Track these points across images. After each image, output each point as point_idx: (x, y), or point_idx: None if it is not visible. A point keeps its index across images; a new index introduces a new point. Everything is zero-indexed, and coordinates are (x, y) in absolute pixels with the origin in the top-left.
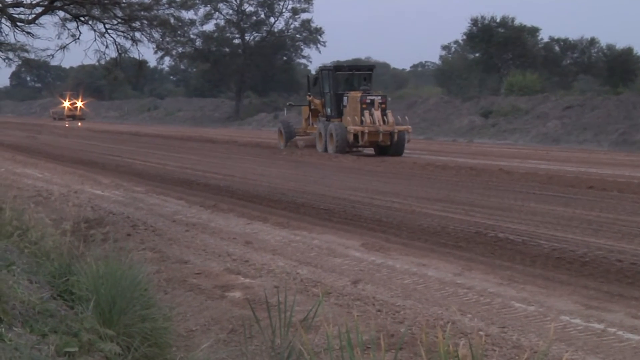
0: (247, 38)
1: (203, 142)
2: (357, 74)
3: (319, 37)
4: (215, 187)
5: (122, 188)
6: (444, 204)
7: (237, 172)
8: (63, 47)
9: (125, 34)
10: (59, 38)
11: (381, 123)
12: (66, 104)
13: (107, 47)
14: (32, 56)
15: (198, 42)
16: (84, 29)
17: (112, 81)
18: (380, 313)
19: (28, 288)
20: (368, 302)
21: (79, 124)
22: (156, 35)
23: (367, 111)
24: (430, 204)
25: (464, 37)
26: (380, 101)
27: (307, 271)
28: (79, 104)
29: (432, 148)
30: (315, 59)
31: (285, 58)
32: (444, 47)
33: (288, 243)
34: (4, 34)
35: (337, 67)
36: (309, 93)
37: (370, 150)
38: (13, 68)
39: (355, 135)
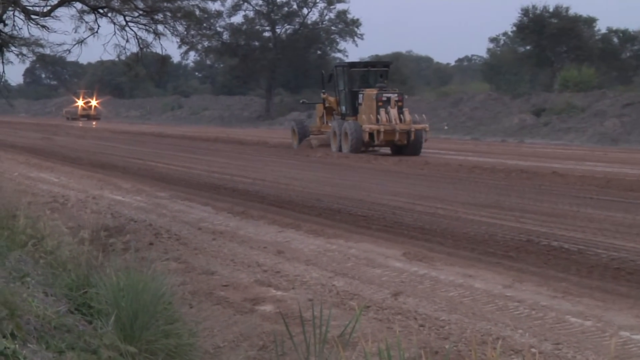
0: (278, 31)
1: (231, 144)
2: (372, 71)
3: (355, 29)
4: (244, 192)
5: (144, 193)
6: (492, 209)
7: (267, 176)
8: (80, 42)
9: (147, 27)
10: (76, 32)
11: (397, 121)
12: (80, 103)
13: (127, 41)
14: (47, 51)
15: (225, 36)
16: (103, 21)
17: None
18: (423, 328)
19: (43, 301)
20: (410, 317)
21: (94, 124)
22: (180, 28)
23: (383, 109)
24: (478, 209)
25: (514, 28)
26: (396, 99)
27: (344, 283)
28: (94, 102)
29: (479, 149)
30: (352, 53)
31: (319, 52)
32: (492, 40)
33: (323, 252)
34: (17, 28)
35: (352, 64)
36: (323, 90)
37: (387, 150)
38: (27, 64)
39: (371, 134)
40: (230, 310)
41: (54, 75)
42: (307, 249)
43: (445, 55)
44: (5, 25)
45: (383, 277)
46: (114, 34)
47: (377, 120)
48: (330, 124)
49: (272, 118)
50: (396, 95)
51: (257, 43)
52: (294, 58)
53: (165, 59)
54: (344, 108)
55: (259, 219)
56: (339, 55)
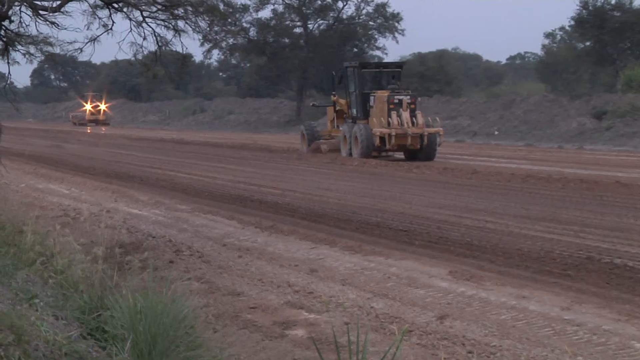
0: (310, 26)
1: (258, 151)
2: (385, 72)
3: (396, 24)
4: (273, 204)
5: (163, 206)
6: (548, 223)
7: (299, 187)
8: (93, 40)
9: (166, 23)
10: (88, 29)
11: (410, 125)
12: (88, 106)
13: (144, 38)
14: (57, 50)
15: (252, 32)
16: (118, 17)
17: (151, 79)
18: (471, 355)
19: (53, 325)
20: (457, 342)
21: (103, 129)
22: (203, 24)
23: (395, 112)
24: (532, 223)
25: (572, 22)
26: (409, 101)
27: (384, 305)
28: (103, 106)
29: (533, 156)
30: (392, 50)
31: (355, 50)
32: (548, 35)
33: (360, 271)
34: (24, 25)
35: (363, 64)
36: (334, 92)
37: (401, 155)
38: (35, 65)
39: (382, 138)
40: (258, 335)
41: (64, 76)
42: (343, 267)
43: (496, 52)
44: (11, 22)
45: (427, 299)
46: (130, 30)
47: (389, 123)
48: (341, 128)
49: (303, 122)
50: (409, 97)
51: (287, 40)
52: (327, 56)
53: (186, 58)
54: (354, 111)
55: (290, 234)
56: (377, 53)
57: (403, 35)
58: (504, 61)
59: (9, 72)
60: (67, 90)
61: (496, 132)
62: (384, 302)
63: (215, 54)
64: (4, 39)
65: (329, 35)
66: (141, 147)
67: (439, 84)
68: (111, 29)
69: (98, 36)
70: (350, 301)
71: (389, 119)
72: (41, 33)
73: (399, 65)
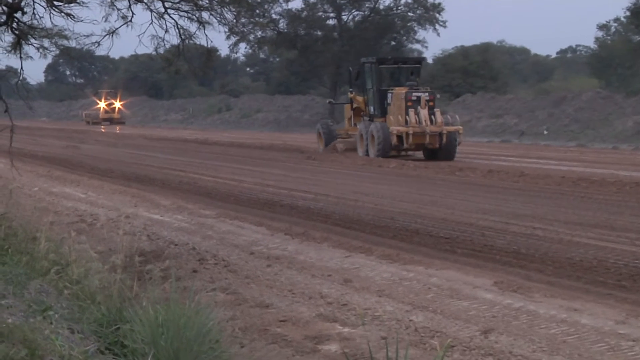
0: (344, 18)
1: (289, 152)
2: (403, 68)
3: (437, 15)
4: (304, 209)
5: (186, 211)
6: (601, 230)
7: (332, 190)
8: (111, 33)
9: (190, 15)
10: (106, 21)
11: (428, 123)
12: (102, 104)
13: (166, 31)
14: (73, 44)
15: (282, 24)
16: (138, 8)
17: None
18: None
19: (69, 339)
20: (503, 358)
21: (117, 128)
22: (229, 16)
23: (413, 109)
24: (584, 230)
25: (628, 13)
26: (427, 98)
27: (424, 318)
28: (117, 104)
29: (585, 158)
30: (432, 43)
31: (393, 43)
32: (601, 27)
33: (398, 281)
34: (37, 17)
35: (381, 59)
36: (351, 89)
37: (420, 154)
38: (49, 60)
39: (400, 137)
40: (289, 350)
41: (81, 72)
42: (380, 277)
43: (545, 45)
44: (24, 13)
45: (470, 311)
46: (151, 22)
47: (406, 121)
48: (358, 126)
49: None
50: (427, 94)
51: (319, 32)
52: (363, 50)
53: (211, 52)
54: (372, 108)
55: (322, 241)
56: (417, 46)
57: (445, 27)
58: (553, 55)
59: (22, 68)
60: (83, 86)
61: (545, 132)
62: (424, 315)
63: (242, 48)
64: (16, 32)
65: (365, 27)
66: (162, 147)
67: (483, 80)
68: (131, 21)
69: (117, 29)
70: (387, 314)
71: (407, 116)
72: (56, 25)
73: (418, 60)
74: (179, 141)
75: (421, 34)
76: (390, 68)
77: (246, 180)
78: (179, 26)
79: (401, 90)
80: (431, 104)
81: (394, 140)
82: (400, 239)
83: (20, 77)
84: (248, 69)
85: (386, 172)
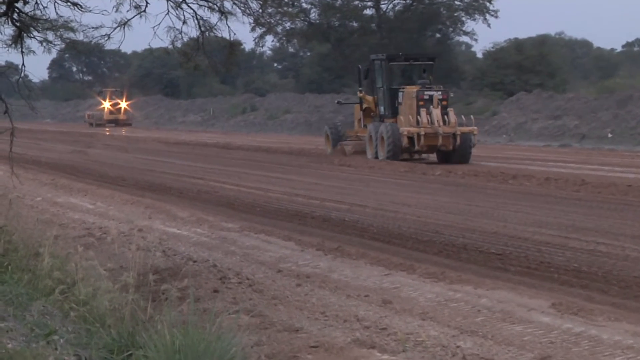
0: (383, 7)
1: (321, 157)
2: (415, 65)
3: (488, 4)
4: (338, 221)
5: (206, 224)
6: None
7: (369, 200)
8: (123, 24)
9: (211, 4)
10: (117, 11)
11: (441, 123)
12: (106, 104)
13: (184, 22)
14: (80, 37)
15: (313, 14)
16: None
17: (192, 71)
18: None
19: None
20: None
21: (123, 130)
22: (254, 5)
23: (425, 109)
24: None
25: None
26: (440, 97)
27: (472, 344)
28: (123, 104)
29: None
30: (482, 36)
31: (438, 35)
32: None
33: (444, 303)
34: (40, 7)
35: (391, 56)
36: (360, 88)
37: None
38: (53, 54)
39: (411, 138)
40: None
41: (89, 68)
42: (423, 298)
43: (609, 38)
44: (25, 3)
45: (525, 337)
46: (167, 13)
47: (418, 122)
48: (368, 128)
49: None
50: (440, 93)
51: (355, 24)
52: (404, 43)
53: (234, 46)
54: (382, 108)
55: (359, 258)
56: (465, 39)
57: (496, 17)
58: (619, 49)
59: (23, 64)
60: (91, 84)
61: (610, 135)
62: (472, 340)
63: (269, 41)
64: (17, 24)
65: (406, 17)
66: (180, 153)
67: (539, 77)
68: (144, 11)
69: (129, 20)
70: (431, 339)
71: (418, 117)
72: (61, 16)
73: (431, 57)
74: (198, 145)
75: (470, 25)
76: (401, 65)
77: (273, 189)
78: (198, 17)
79: (412, 89)
80: (444, 103)
81: (405, 141)
82: (446, 255)
83: (22, 74)
84: (275, 64)
85: (430, 180)
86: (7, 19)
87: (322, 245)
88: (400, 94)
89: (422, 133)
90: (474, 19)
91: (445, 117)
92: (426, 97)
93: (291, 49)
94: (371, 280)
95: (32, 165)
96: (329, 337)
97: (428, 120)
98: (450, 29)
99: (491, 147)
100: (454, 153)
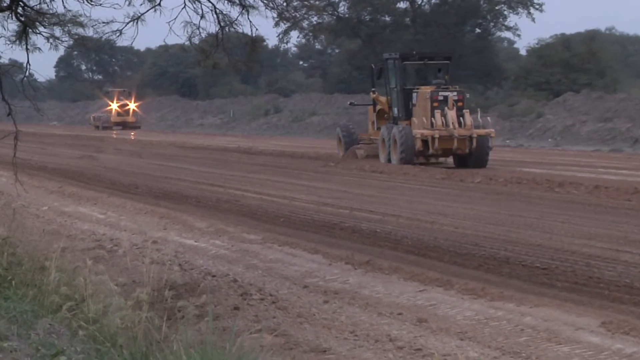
0: (418, 1)
1: (350, 163)
2: (430, 64)
3: None
4: (369, 233)
5: (226, 235)
6: None
7: (403, 210)
8: (136, 19)
9: None
10: (130, 4)
11: (456, 126)
12: (114, 106)
13: (202, 17)
14: (90, 33)
15: (342, 8)
16: None
17: (211, 70)
18: None
19: None
20: None
21: (132, 134)
22: None
23: (439, 111)
24: None
25: None
26: (455, 98)
27: None
28: (132, 106)
29: None
30: (526, 31)
31: (478, 30)
32: None
33: (484, 321)
34: (47, 0)
35: (405, 55)
36: (373, 89)
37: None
38: (61, 52)
39: (425, 141)
40: None
41: (99, 66)
42: (461, 316)
43: None
44: None
45: (572, 358)
46: (184, 6)
47: (432, 124)
48: (380, 130)
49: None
50: (455, 94)
51: (388, 18)
52: (441, 39)
53: (256, 42)
54: (395, 110)
55: (391, 272)
56: (507, 35)
57: (541, 11)
58: None
59: (28, 61)
60: (101, 84)
61: None
62: None
63: (294, 37)
64: (22, 19)
65: (443, 11)
66: (197, 158)
67: (588, 75)
68: (159, 4)
69: (142, 14)
70: None
71: (432, 119)
72: (69, 10)
73: (446, 56)
74: (218, 150)
75: (512, 19)
76: (415, 65)
77: (299, 198)
78: (217, 11)
79: (427, 90)
80: (460, 104)
81: (419, 145)
82: (486, 269)
83: (27, 73)
84: (301, 62)
85: (469, 188)
86: (11, 13)
87: (352, 258)
88: (414, 94)
89: (437, 136)
90: (517, 13)
91: (461, 118)
92: (441, 97)
93: (318, 46)
94: (405, 296)
95: (38, 172)
96: (358, 358)
97: (443, 122)
98: (491, 24)
99: (536, 152)
100: (470, 157)
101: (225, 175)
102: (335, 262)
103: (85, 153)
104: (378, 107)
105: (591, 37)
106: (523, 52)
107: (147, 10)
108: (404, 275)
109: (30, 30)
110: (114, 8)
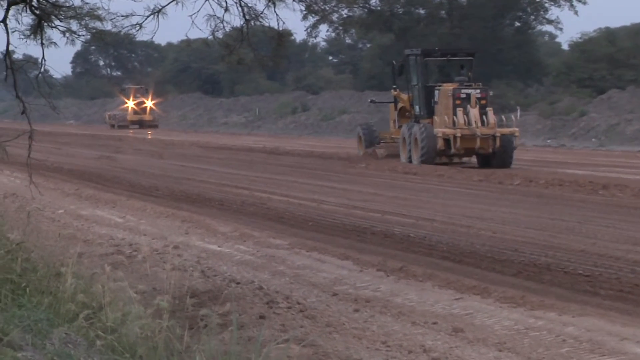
0: None
1: (382, 164)
2: (453, 61)
3: None
4: (402, 238)
5: (251, 240)
6: None
7: (437, 214)
8: (157, 12)
9: None
10: None
11: (479, 124)
12: (130, 103)
13: (226, 10)
14: (108, 26)
15: (374, 1)
16: None
17: (235, 66)
18: None
19: None
20: None
21: (148, 133)
22: None
23: (462, 109)
24: None
25: None
26: (478, 96)
27: None
28: (149, 103)
29: None
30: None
31: (518, 24)
32: None
33: (524, 331)
34: None
35: (427, 51)
36: (395, 86)
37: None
38: (78, 47)
39: (447, 140)
40: None
41: (117, 62)
42: (499, 325)
43: None
44: None
45: None
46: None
47: (454, 122)
48: (401, 129)
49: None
50: (478, 91)
51: (422, 11)
52: (478, 34)
53: (283, 36)
54: (417, 108)
55: (426, 279)
56: (548, 28)
57: (584, 3)
58: None
59: (43, 57)
60: (120, 80)
61: None
62: None
63: (324, 31)
64: (37, 12)
65: (481, 3)
66: (221, 159)
67: (634, 71)
68: None
69: (163, 7)
70: None
71: (454, 117)
72: (87, 3)
73: (470, 53)
74: (243, 150)
75: (554, 12)
76: (437, 61)
77: (328, 201)
78: (242, 3)
79: (449, 87)
80: (483, 102)
81: (440, 144)
82: (526, 276)
83: (42, 69)
84: (330, 58)
85: (508, 190)
86: (26, 6)
87: (384, 265)
88: (436, 92)
89: (458, 135)
90: (559, 6)
91: (484, 117)
92: (463, 95)
93: (348, 40)
94: (440, 305)
95: (54, 173)
96: None
97: (465, 120)
98: (532, 17)
99: (579, 152)
100: (494, 156)
101: (250, 177)
102: (366, 269)
103: (103, 153)
104: (399, 105)
105: (637, 31)
106: (565, 46)
107: (169, 3)
108: (439, 282)
109: (45, 24)
110: (134, 1)
